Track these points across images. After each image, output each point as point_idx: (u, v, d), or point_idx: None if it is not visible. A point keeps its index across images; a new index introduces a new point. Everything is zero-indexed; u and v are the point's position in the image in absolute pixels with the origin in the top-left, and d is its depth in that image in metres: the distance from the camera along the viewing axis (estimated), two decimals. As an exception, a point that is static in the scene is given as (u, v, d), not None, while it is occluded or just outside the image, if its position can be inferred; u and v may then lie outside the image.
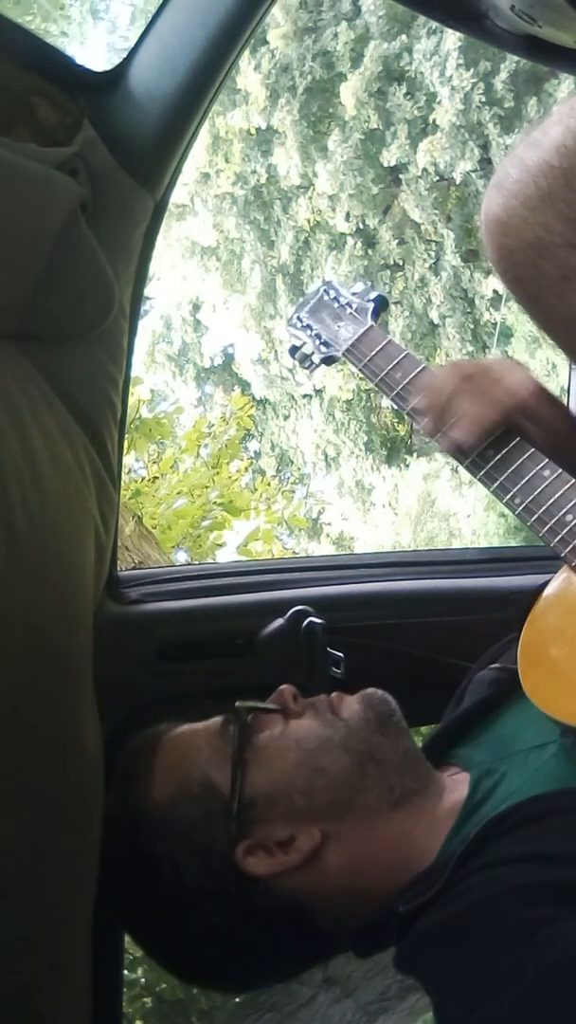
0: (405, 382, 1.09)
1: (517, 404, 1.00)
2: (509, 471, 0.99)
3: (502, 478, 1.00)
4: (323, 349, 1.21)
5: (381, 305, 1.19)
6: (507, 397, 1.00)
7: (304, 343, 1.24)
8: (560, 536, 0.95)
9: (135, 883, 0.93)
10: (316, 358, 1.22)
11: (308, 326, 1.23)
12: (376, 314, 1.18)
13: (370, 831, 0.88)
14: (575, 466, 1.00)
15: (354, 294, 1.21)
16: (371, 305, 1.19)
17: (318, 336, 1.21)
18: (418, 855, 0.87)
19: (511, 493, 0.99)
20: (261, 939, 0.90)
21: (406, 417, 1.11)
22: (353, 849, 0.88)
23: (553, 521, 0.95)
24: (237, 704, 0.94)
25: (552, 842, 0.77)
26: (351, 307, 1.19)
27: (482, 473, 1.01)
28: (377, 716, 0.93)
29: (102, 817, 1.00)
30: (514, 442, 1.00)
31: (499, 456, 1.00)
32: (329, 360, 1.21)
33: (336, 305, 1.21)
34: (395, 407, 1.11)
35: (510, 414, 1.00)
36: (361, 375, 1.16)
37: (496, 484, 1.00)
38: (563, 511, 0.95)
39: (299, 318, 1.24)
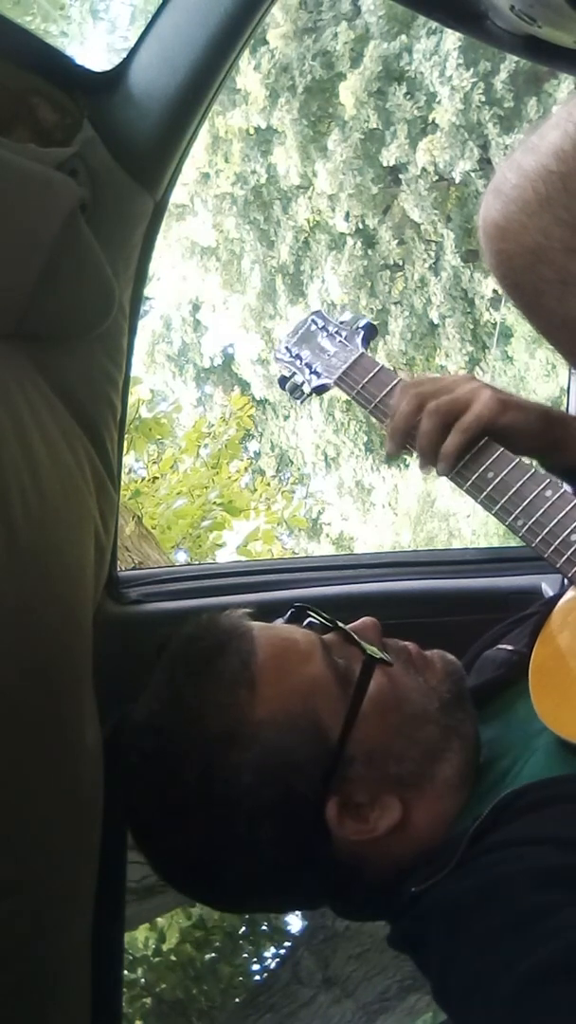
0: None
1: (483, 430, 1.01)
2: (510, 494, 0.99)
3: (503, 500, 1.00)
4: (313, 379, 1.19)
5: (370, 332, 1.18)
6: (474, 423, 1.01)
7: (294, 373, 1.22)
8: (566, 557, 0.95)
9: (198, 778, 0.84)
10: (307, 388, 1.21)
11: (298, 356, 1.21)
12: (366, 341, 1.17)
13: (439, 806, 0.87)
14: (554, 460, 1.01)
15: (343, 322, 1.20)
16: (361, 333, 1.18)
17: (308, 366, 1.20)
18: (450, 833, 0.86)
19: (513, 515, 0.99)
20: (293, 878, 0.87)
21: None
22: (422, 822, 0.86)
23: (558, 542, 0.95)
24: (367, 650, 0.88)
25: (565, 827, 0.77)
26: (340, 335, 1.18)
27: (483, 496, 1.01)
28: (460, 692, 0.91)
29: (102, 810, 0.98)
30: (513, 462, 1.00)
31: (498, 479, 1.00)
32: (321, 389, 1.19)
33: (325, 334, 1.20)
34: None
35: (479, 439, 1.02)
36: (354, 402, 1.15)
37: (498, 507, 1.00)
38: (567, 531, 0.95)
39: (288, 348, 1.23)
